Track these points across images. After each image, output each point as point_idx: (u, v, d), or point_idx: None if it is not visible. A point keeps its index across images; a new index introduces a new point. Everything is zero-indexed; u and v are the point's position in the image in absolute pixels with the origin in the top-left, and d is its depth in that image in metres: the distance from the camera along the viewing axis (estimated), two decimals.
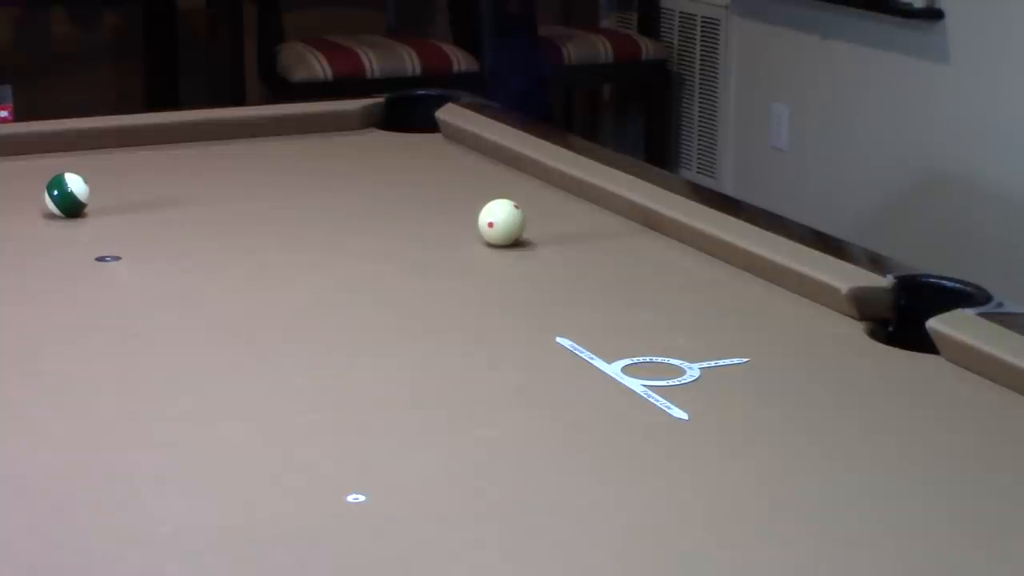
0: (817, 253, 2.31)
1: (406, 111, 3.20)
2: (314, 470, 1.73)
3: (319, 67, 5.16)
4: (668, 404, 1.88)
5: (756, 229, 2.42)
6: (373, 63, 5.20)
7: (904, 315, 2.16)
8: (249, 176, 2.90)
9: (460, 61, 5.27)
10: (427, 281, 2.36)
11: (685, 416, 1.85)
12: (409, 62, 5.23)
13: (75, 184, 2.57)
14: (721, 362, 2.01)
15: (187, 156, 2.99)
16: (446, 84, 4.18)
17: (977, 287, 2.15)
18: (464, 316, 2.23)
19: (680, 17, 5.75)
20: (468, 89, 3.50)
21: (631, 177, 2.70)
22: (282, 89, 5.21)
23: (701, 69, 5.67)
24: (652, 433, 1.83)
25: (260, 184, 2.85)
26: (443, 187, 2.86)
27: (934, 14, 4.60)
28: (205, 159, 2.98)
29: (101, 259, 2.41)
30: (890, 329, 2.15)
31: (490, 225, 2.45)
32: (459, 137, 3.08)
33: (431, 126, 3.14)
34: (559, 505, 1.65)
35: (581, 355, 2.03)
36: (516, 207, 2.46)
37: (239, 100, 5.48)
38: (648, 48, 5.68)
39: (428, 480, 1.71)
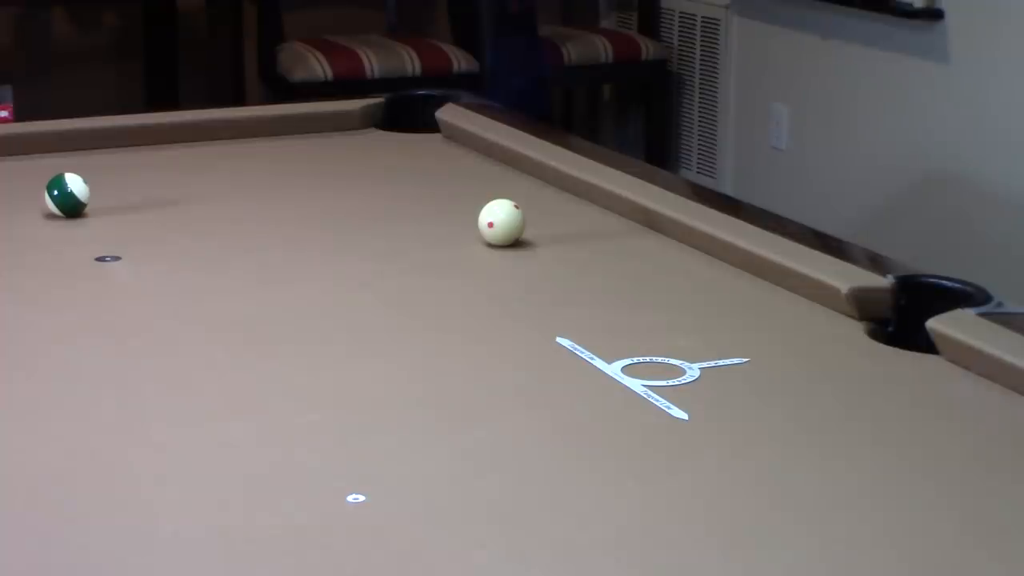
0: (817, 253, 2.31)
1: (406, 111, 3.20)
2: (314, 470, 1.73)
3: (319, 67, 5.16)
4: (668, 404, 1.88)
5: (756, 229, 2.42)
6: (373, 63, 5.20)
7: (904, 315, 2.16)
8: (249, 176, 2.90)
9: (460, 61, 5.26)
10: (427, 281, 2.36)
11: (685, 416, 1.85)
12: (409, 62, 5.23)
13: (75, 184, 2.57)
14: (721, 362, 2.01)
15: (187, 156, 2.99)
16: (446, 84, 4.18)
17: (977, 287, 2.15)
18: (464, 316, 2.23)
19: (680, 17, 5.75)
20: (468, 89, 3.51)
21: (631, 177, 2.70)
22: (282, 89, 5.21)
23: (701, 69, 5.67)
24: (652, 433, 1.83)
25: (260, 184, 2.85)
26: (443, 187, 2.86)
27: (934, 14, 4.60)
28: (205, 159, 2.98)
29: (101, 259, 2.41)
30: (890, 329, 2.15)
31: (490, 225, 2.45)
32: (459, 137, 3.08)
33: (431, 126, 3.14)
34: (559, 505, 1.65)
35: (581, 355, 2.03)
36: (516, 207, 2.46)
37: (239, 100, 5.48)
38: (648, 48, 5.68)
39: (428, 480, 1.70)
